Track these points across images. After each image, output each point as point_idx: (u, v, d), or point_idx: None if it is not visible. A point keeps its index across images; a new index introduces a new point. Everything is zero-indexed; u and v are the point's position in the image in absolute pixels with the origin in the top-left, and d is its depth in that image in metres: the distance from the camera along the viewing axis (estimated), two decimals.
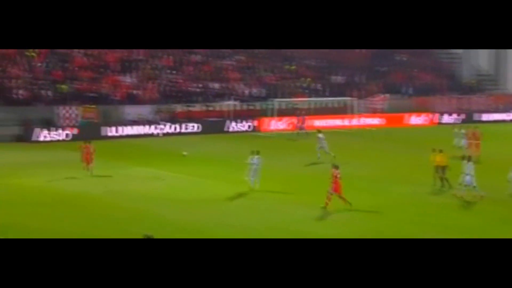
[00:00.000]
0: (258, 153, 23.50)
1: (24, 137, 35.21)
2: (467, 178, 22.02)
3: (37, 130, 35.63)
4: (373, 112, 47.77)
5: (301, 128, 39.40)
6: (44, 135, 35.62)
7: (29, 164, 28.42)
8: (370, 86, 51.27)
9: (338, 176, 20.41)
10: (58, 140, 35.36)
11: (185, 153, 30.62)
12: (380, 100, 48.86)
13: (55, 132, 35.95)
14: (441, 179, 23.84)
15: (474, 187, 22.11)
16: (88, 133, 33.90)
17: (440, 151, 24.45)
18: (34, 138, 35.11)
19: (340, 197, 20.36)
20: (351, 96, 46.86)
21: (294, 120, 41.03)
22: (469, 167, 22.16)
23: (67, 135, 36.09)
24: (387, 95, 49.19)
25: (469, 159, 22.66)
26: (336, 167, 20.81)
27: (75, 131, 36.07)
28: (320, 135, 30.52)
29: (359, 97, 47.54)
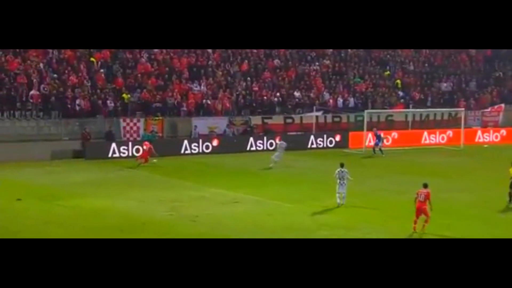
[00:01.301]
0: (342, 165, 24.72)
1: (83, 152, 36.42)
2: None
3: (104, 144, 36.71)
4: (486, 125, 46.55)
5: (376, 145, 38.88)
6: (112, 150, 36.44)
7: (89, 183, 29.35)
8: (482, 94, 49.93)
9: (420, 196, 20.72)
10: (127, 156, 36.08)
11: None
12: (494, 111, 47.52)
13: (124, 147, 36.75)
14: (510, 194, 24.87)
15: None
16: (167, 148, 36.45)
17: None
18: (97, 154, 36.28)
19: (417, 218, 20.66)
20: (458, 106, 45.96)
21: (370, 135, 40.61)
22: None
23: (137, 150, 36.55)
24: (503, 106, 47.74)
25: None
26: (425, 185, 21.06)
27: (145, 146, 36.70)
28: (281, 143, 34.53)
29: (469, 108, 46.53)
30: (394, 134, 42.82)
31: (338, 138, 41.54)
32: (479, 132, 45.41)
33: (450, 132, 43.94)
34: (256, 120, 41.51)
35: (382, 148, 39.05)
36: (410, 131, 43.86)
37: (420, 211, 20.67)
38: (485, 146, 43.63)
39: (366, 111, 41.83)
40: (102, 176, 31.14)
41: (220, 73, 44.39)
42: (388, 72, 49.70)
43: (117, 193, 27.08)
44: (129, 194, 26.72)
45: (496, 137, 45.44)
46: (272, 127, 41.40)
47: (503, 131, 45.63)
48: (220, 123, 40.56)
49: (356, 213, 23.73)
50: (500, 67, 53.42)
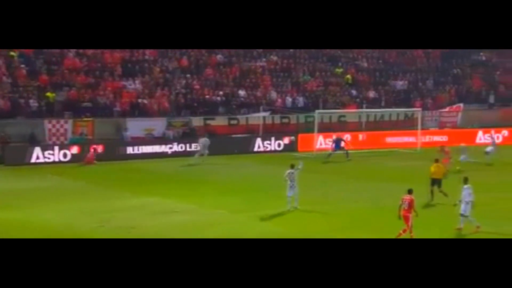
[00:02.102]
0: (293, 166, 25.12)
1: (1, 158, 35.11)
2: (462, 206, 22.02)
3: (26, 148, 35.63)
4: (444, 126, 47.20)
5: (334, 150, 38.80)
6: (36, 155, 35.38)
7: (11, 192, 28.40)
8: (439, 93, 50.46)
9: (404, 203, 20.78)
10: (53, 162, 35.47)
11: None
12: (453, 111, 48.04)
13: (49, 152, 35.78)
14: (431, 192, 26.12)
15: (466, 216, 21.97)
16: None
17: (436, 160, 27.16)
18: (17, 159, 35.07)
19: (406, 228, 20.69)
20: (414, 106, 46.44)
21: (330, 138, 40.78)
22: (463, 192, 22.01)
23: (64, 155, 35.99)
24: (462, 105, 48.35)
25: (465, 181, 22.37)
26: (409, 191, 21.18)
27: (75, 150, 36.09)
28: (203, 139, 36.40)
29: (425, 108, 47.04)
30: (347, 136, 42.69)
31: (287, 140, 41.47)
32: (437, 134, 45.62)
33: (405, 134, 43.99)
34: (197, 121, 41.16)
35: (336, 152, 38.74)
36: (364, 132, 43.84)
37: (406, 219, 20.68)
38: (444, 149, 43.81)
39: (316, 111, 41.79)
40: (25, 184, 30.22)
41: (158, 69, 43.90)
42: (340, 69, 49.84)
43: (42, 204, 26.17)
44: (56, 205, 25.86)
45: (498, 137, 44.87)
46: (215, 129, 41.07)
47: (460, 133, 45.72)
48: (157, 125, 40.13)
49: (309, 221, 23.58)
50: (458, 64, 54.11)
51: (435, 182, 26.30)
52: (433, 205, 25.74)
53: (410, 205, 20.62)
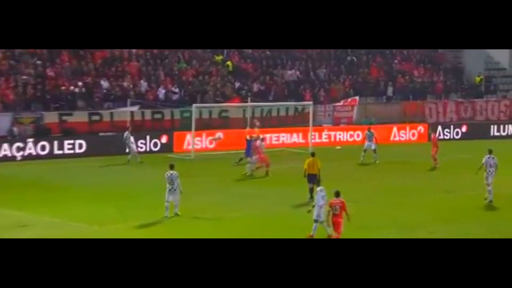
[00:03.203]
0: (172, 167, 25.63)
1: None
2: (315, 210, 22.51)
3: None
4: (338, 123, 47.43)
5: (246, 154, 37.61)
6: None
7: None
8: (333, 85, 50.55)
9: (335, 208, 21.22)
10: None
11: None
12: (348, 105, 47.94)
13: None
14: (310, 190, 27.38)
15: (320, 222, 22.49)
16: None
17: (312, 154, 28.58)
18: None
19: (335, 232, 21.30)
20: (305, 99, 46.11)
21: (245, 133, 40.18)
22: (316, 195, 22.80)
23: None
24: (357, 98, 48.48)
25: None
26: (337, 194, 21.59)
27: None
28: (128, 134, 37.50)
29: (318, 101, 46.62)
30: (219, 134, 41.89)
31: (164, 139, 40.99)
32: (331, 130, 45.83)
33: (294, 131, 44.15)
34: (51, 117, 40.26)
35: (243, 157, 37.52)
36: (248, 130, 42.97)
37: (338, 225, 21.04)
38: (338, 147, 44.26)
39: (194, 105, 41.35)
40: None
41: (0, 54, 42.12)
42: (220, 57, 49.57)
43: None
44: None
45: (350, 135, 45.68)
46: (73, 127, 40.43)
47: (355, 129, 45.63)
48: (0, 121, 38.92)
49: (190, 230, 23.61)
50: (353, 51, 54.19)
51: (311, 178, 27.27)
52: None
53: (342, 209, 20.98)
